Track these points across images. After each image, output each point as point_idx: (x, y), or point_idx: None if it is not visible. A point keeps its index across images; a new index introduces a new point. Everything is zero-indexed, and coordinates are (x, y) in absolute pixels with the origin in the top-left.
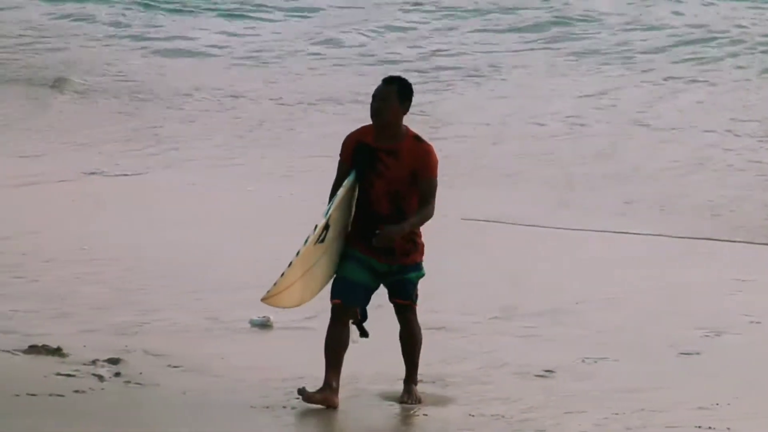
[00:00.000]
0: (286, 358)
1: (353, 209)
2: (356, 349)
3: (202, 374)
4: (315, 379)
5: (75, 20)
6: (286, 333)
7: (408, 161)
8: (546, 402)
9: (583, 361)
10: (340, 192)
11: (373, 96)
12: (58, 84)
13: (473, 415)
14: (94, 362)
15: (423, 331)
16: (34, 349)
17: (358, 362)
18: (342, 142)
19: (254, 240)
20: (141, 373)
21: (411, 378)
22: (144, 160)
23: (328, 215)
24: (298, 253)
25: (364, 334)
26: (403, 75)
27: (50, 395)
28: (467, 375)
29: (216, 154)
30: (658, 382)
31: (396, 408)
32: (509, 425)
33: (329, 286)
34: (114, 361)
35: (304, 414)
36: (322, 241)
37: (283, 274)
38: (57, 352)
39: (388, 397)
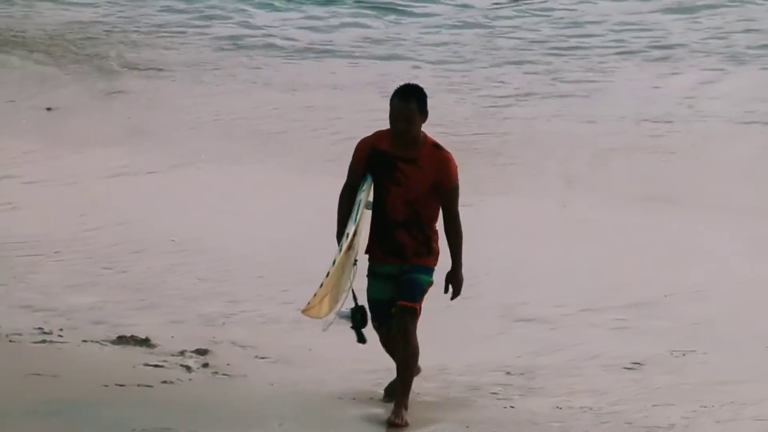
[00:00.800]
0: (374, 349)
1: (369, 218)
2: (444, 341)
3: (289, 365)
4: None
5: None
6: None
7: (429, 171)
8: (634, 394)
9: (671, 353)
10: (363, 196)
11: (395, 115)
12: (131, 74)
13: (561, 408)
14: (182, 353)
15: (513, 323)
16: (122, 340)
17: (446, 354)
18: (356, 145)
19: None
20: (229, 364)
21: (402, 401)
22: (233, 152)
23: (356, 221)
24: (334, 262)
25: (361, 339)
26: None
27: (138, 385)
28: (556, 367)
29: (313, 149)
30: (747, 374)
31: (485, 399)
32: (597, 417)
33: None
34: (202, 352)
35: (392, 404)
36: (351, 248)
37: (321, 285)
38: (145, 342)
39: (476, 387)
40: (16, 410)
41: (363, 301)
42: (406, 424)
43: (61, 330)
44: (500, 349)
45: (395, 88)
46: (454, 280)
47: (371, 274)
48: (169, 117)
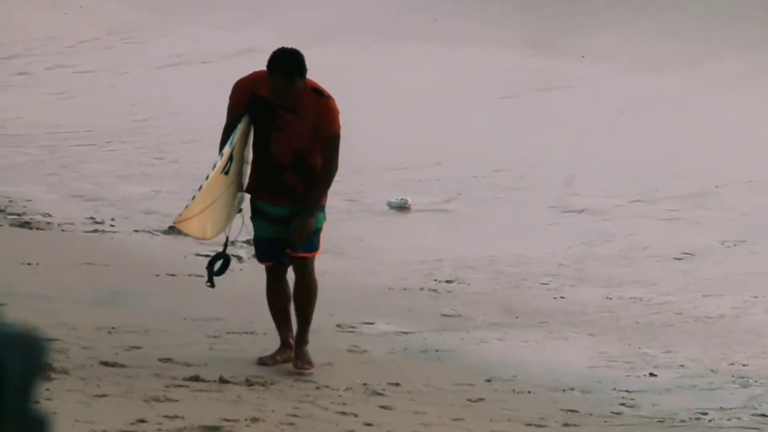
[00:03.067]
0: (424, 240)
1: (248, 156)
2: (494, 231)
3: (341, 256)
4: (455, 260)
5: None
6: (424, 215)
7: (310, 119)
8: (684, 285)
9: (722, 244)
10: (242, 124)
11: (278, 95)
12: None
13: (611, 298)
14: (233, 243)
15: (563, 214)
16: (173, 230)
17: (496, 245)
18: (233, 86)
19: (395, 123)
20: None
21: (302, 338)
22: (288, 41)
23: (232, 144)
24: (207, 177)
25: (211, 283)
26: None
27: (189, 275)
28: (606, 257)
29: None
30: None
31: (535, 290)
32: (647, 308)
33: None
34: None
35: (441, 295)
36: (227, 173)
37: (193, 198)
38: None
39: (526, 278)
40: (69, 299)
41: (233, 250)
42: (311, 365)
43: (112, 220)
44: (550, 240)
45: (273, 55)
46: (303, 222)
47: (258, 213)
48: (224, 4)
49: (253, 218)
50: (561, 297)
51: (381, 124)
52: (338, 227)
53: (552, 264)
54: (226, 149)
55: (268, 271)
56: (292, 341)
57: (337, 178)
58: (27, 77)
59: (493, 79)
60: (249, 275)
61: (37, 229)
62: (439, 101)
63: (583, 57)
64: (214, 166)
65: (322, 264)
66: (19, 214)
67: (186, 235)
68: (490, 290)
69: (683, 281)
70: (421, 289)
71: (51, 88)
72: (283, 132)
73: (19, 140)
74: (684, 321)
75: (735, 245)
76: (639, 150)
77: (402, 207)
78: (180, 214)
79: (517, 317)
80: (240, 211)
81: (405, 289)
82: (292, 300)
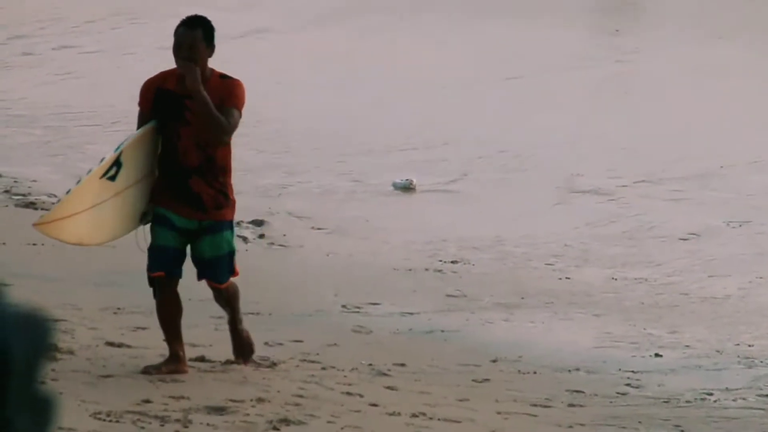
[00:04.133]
0: (429, 220)
1: (154, 160)
2: (500, 212)
3: (345, 236)
4: (460, 240)
5: None
6: (429, 196)
7: (215, 100)
8: (690, 265)
9: (728, 224)
10: (139, 131)
11: (178, 43)
12: None
13: (616, 279)
14: (238, 224)
15: (569, 195)
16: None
17: (502, 225)
18: (140, 88)
19: (400, 105)
20: (284, 235)
21: (235, 323)
22: (295, 21)
23: (119, 150)
24: (79, 181)
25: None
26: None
27: None
28: (612, 238)
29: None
30: None
31: (541, 270)
32: (652, 288)
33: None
34: (258, 223)
35: (446, 276)
36: (112, 178)
37: (59, 201)
38: None
39: (531, 258)
40: (74, 279)
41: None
42: (252, 346)
43: None
44: (556, 221)
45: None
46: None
47: (160, 220)
48: None
49: (153, 226)
50: (566, 278)
51: (386, 104)
52: (343, 208)
53: (557, 244)
54: (109, 155)
55: (159, 282)
56: (181, 353)
57: (341, 158)
58: (32, 57)
59: (502, 59)
60: (253, 256)
61: (42, 209)
62: (445, 81)
63: (617, 30)
64: (89, 171)
65: (327, 245)
66: (24, 195)
67: (56, 239)
68: (495, 271)
69: (689, 262)
70: (426, 269)
71: (56, 68)
72: (192, 127)
73: (24, 121)
74: (689, 301)
75: (740, 225)
76: (645, 131)
77: (407, 187)
78: (42, 217)
79: (522, 298)
80: (147, 223)
81: (410, 270)
82: (216, 303)
